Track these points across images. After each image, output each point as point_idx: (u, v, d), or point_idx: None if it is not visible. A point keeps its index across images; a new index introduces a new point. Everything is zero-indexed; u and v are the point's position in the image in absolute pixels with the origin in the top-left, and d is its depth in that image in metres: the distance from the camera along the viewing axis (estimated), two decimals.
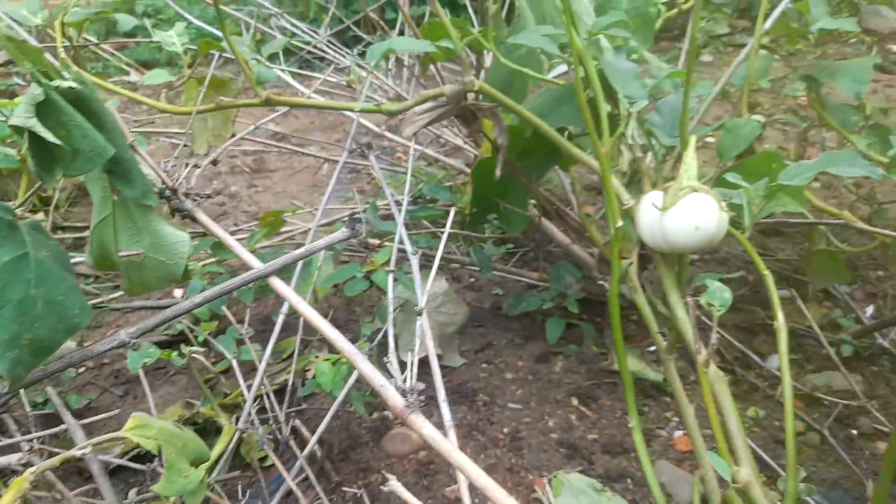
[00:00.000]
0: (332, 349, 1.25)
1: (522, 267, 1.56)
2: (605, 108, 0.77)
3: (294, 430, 1.05)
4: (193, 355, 0.75)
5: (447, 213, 1.53)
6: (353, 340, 1.31)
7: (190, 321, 1.22)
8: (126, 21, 1.02)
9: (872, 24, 2.89)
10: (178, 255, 0.51)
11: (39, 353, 0.62)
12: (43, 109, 0.51)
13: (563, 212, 1.29)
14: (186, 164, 0.77)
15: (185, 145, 0.90)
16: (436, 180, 1.42)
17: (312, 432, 0.99)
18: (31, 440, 0.87)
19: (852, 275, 1.41)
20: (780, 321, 0.69)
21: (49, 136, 0.49)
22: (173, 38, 1.02)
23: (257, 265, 0.54)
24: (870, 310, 1.27)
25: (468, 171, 1.39)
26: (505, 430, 1.07)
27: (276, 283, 0.52)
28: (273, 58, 2.46)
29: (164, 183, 0.55)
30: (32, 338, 0.58)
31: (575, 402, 1.12)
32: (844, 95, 1.10)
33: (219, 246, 1.09)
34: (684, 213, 0.71)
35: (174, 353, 0.83)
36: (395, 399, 0.49)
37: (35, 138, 0.50)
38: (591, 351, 1.23)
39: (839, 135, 1.19)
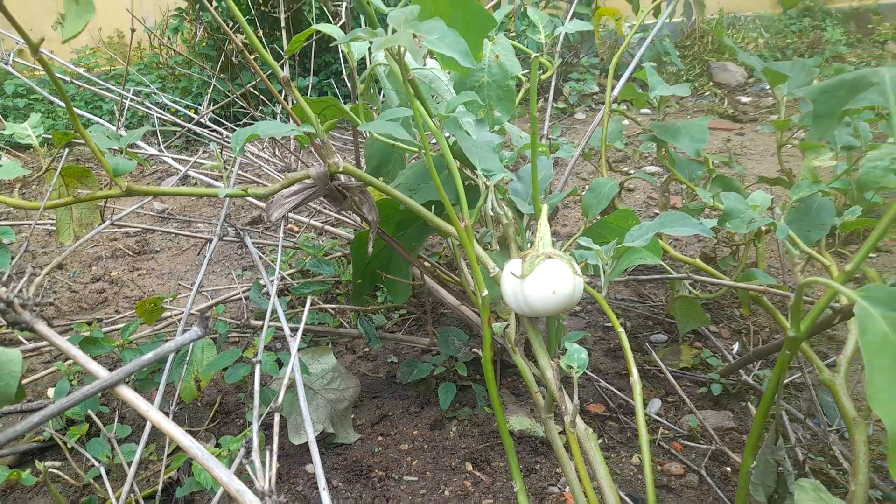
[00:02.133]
0: (231, 432, 1.20)
1: (417, 331, 1.57)
2: (461, 184, 0.81)
3: None
4: (51, 469, 0.70)
5: (333, 285, 1.53)
6: (243, 426, 1.28)
7: (61, 425, 1.14)
8: None
9: (722, 79, 3.20)
10: (10, 375, 0.49)
11: None
12: None
13: (447, 275, 1.32)
14: (30, 272, 0.74)
15: (26, 250, 0.86)
16: (322, 253, 1.42)
17: None
18: None
19: (718, 314, 1.51)
20: (635, 377, 0.73)
21: None
22: (27, 131, 0.99)
23: (103, 374, 0.52)
24: (736, 347, 1.36)
25: None
26: None
27: (124, 391, 0.50)
28: (151, 137, 2.41)
29: None
30: None
31: (470, 467, 1.12)
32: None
33: (87, 342, 1.04)
34: (541, 280, 0.75)
35: (26, 473, 0.76)
36: None
37: None
38: (484, 412, 1.25)
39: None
